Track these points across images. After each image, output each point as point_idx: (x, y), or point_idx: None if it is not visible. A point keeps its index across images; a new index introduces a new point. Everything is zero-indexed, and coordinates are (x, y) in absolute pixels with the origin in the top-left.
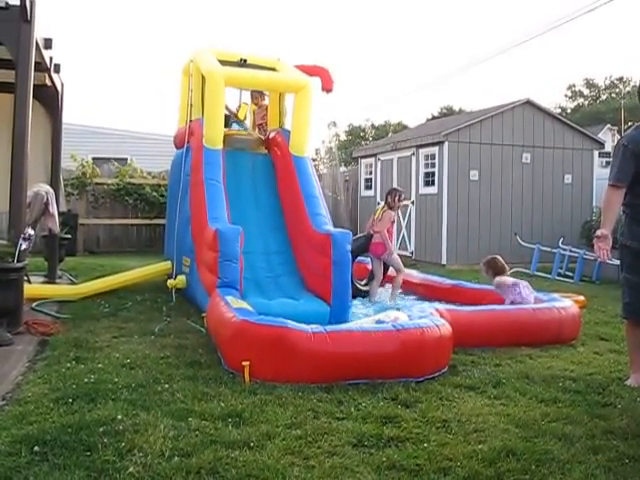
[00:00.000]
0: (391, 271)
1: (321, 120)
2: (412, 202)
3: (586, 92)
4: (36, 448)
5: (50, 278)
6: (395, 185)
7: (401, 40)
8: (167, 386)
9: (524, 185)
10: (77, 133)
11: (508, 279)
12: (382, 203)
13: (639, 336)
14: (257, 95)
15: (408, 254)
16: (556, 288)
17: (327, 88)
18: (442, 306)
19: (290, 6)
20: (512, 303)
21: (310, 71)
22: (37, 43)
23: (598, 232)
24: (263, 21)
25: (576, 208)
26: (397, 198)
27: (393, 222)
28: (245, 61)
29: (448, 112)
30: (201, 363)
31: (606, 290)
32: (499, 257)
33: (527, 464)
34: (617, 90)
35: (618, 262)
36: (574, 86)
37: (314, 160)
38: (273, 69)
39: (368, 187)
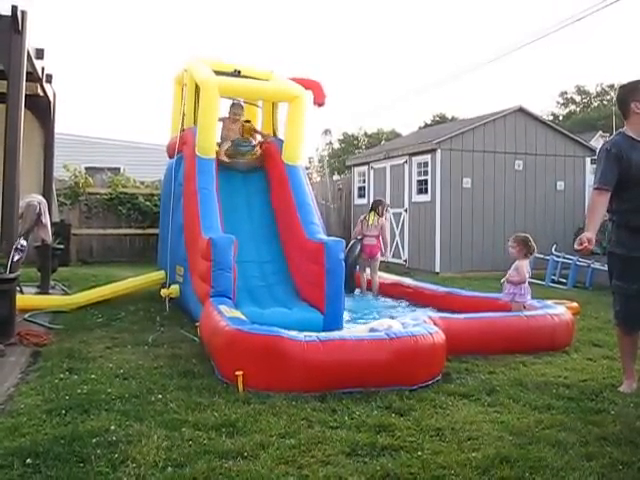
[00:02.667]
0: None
1: (315, 129)
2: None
3: (578, 99)
4: (29, 460)
5: (43, 289)
6: (388, 193)
7: (393, 49)
8: (160, 396)
9: (517, 192)
10: (70, 143)
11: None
12: (371, 212)
13: (631, 343)
14: (236, 110)
15: (402, 262)
16: (549, 295)
17: (319, 102)
18: (435, 314)
19: (282, 16)
20: (512, 294)
21: (302, 84)
22: (29, 53)
23: (584, 237)
24: (255, 33)
25: (568, 215)
26: (385, 208)
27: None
28: (239, 72)
29: (441, 120)
30: (194, 373)
31: (599, 296)
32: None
33: (521, 471)
34: (608, 97)
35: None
36: (566, 93)
37: (307, 169)
38: (266, 81)
39: (361, 195)
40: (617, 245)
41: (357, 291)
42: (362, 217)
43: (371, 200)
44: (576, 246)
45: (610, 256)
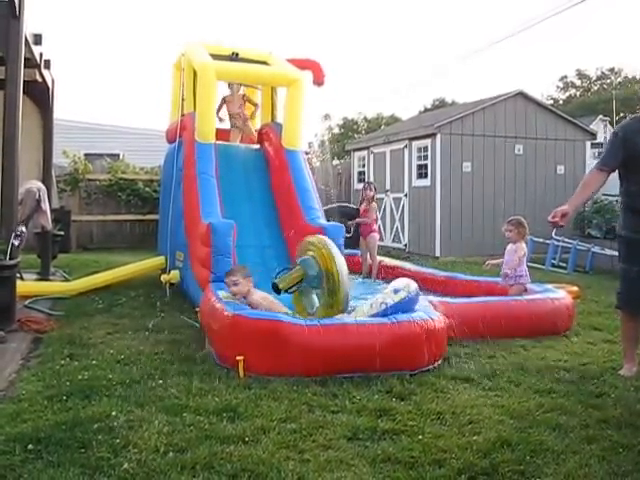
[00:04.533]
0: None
1: (314, 113)
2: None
3: (578, 83)
4: (30, 446)
5: (43, 275)
6: (388, 178)
7: (394, 32)
8: (161, 382)
9: (517, 176)
10: (69, 129)
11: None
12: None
13: (632, 326)
14: (233, 85)
15: (402, 246)
16: (550, 279)
17: (318, 81)
18: (436, 298)
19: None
20: (515, 277)
21: (302, 64)
22: (26, 39)
23: (559, 211)
24: (255, 14)
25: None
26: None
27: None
28: (237, 55)
29: (440, 104)
30: (195, 358)
31: (599, 280)
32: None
33: (522, 455)
34: (608, 81)
35: (612, 252)
36: (566, 77)
37: (307, 153)
38: (265, 63)
39: (361, 180)
40: (623, 227)
41: (358, 277)
42: (374, 204)
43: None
44: (549, 218)
45: (618, 238)
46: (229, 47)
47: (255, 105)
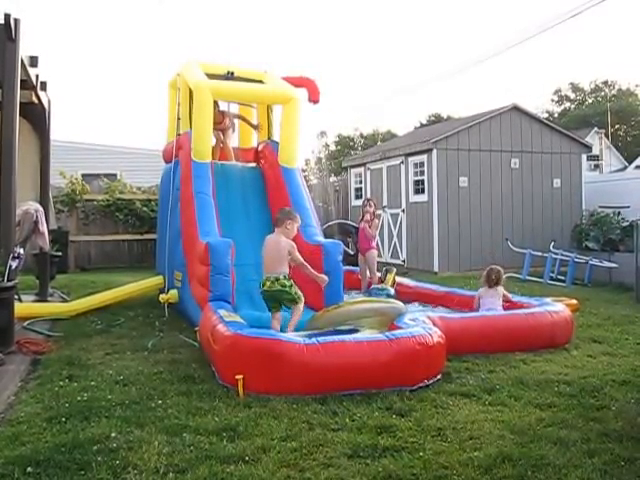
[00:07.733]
0: None
1: (310, 130)
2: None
3: (572, 96)
4: (29, 469)
5: (41, 296)
6: (385, 194)
7: (387, 48)
8: (161, 402)
9: (513, 190)
10: (65, 150)
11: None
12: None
13: None
14: (219, 114)
15: (400, 262)
16: (548, 292)
17: (314, 99)
18: (435, 313)
19: (275, 17)
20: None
21: (297, 82)
22: (22, 61)
23: None
24: (248, 34)
25: (566, 212)
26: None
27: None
28: (232, 74)
29: (436, 119)
30: (195, 378)
31: (598, 293)
32: None
33: (523, 470)
34: (602, 93)
35: (610, 265)
36: (560, 90)
37: (304, 171)
38: (260, 81)
39: (358, 197)
40: None
41: (357, 293)
42: (377, 221)
43: None
44: None
45: None
46: (224, 66)
47: (255, 127)
